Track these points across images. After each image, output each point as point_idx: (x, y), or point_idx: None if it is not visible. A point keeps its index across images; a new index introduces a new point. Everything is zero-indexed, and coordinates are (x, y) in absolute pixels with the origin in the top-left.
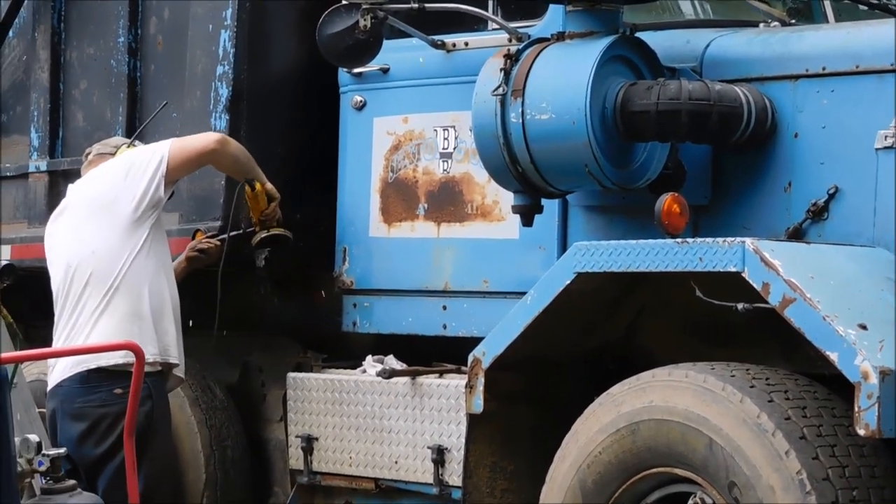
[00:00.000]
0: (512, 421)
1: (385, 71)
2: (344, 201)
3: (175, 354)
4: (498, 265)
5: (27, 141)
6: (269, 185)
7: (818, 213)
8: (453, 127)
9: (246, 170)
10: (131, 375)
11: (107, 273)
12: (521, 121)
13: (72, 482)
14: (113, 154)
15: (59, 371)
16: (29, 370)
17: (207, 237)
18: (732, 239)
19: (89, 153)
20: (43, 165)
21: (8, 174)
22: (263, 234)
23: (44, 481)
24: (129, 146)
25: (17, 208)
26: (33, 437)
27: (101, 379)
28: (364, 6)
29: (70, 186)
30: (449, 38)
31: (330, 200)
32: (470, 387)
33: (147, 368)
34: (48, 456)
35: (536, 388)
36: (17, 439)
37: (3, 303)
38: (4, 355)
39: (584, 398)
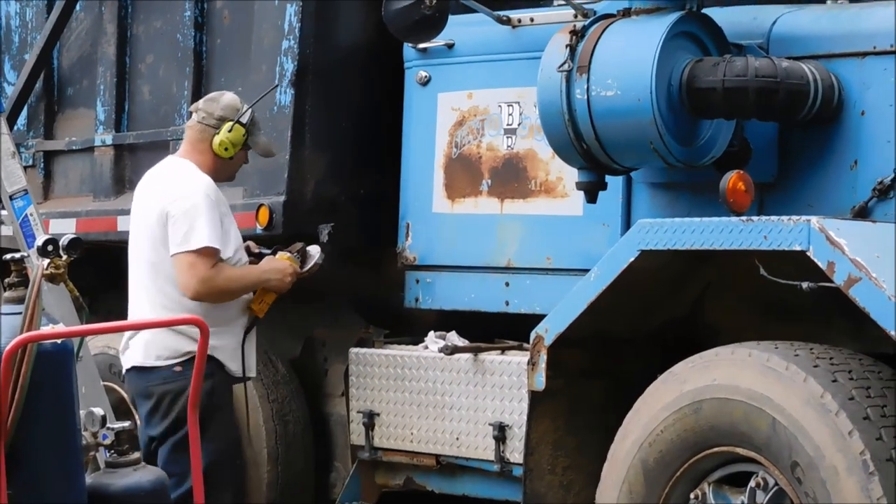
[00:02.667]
0: (576, 398)
1: (450, 46)
2: (407, 177)
3: (231, 367)
4: (561, 242)
5: (93, 114)
6: (276, 267)
7: (884, 192)
8: (518, 103)
9: (241, 292)
10: (189, 355)
11: (165, 286)
12: (586, 97)
13: (136, 455)
14: (216, 129)
15: (127, 358)
16: (94, 343)
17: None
18: (798, 217)
19: (196, 110)
20: (109, 139)
21: (74, 147)
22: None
23: (108, 455)
24: (234, 124)
25: (83, 182)
26: (98, 411)
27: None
28: None
29: (146, 175)
30: (514, 14)
31: (394, 175)
32: (532, 364)
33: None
34: (113, 429)
35: (603, 366)
36: (81, 412)
37: (68, 276)
38: (70, 329)
39: (651, 376)
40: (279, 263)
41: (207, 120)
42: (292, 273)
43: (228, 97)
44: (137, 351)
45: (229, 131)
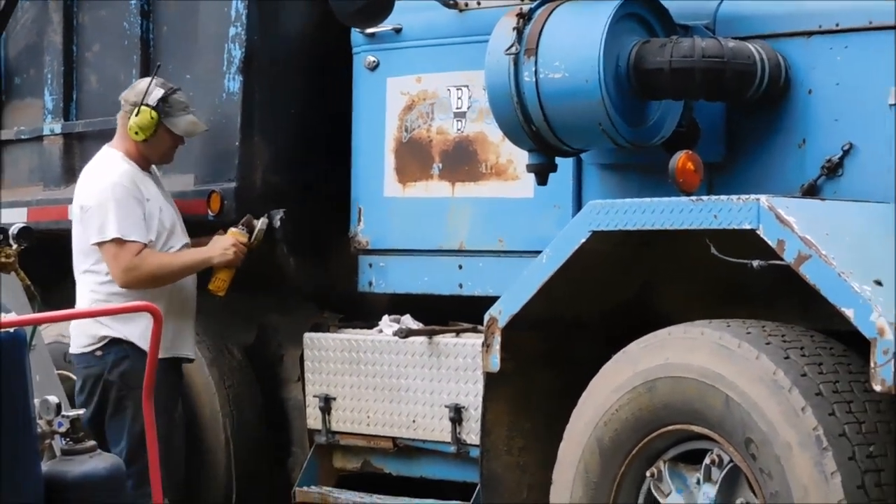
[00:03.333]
0: (532, 381)
1: (398, 31)
2: (358, 162)
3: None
4: (513, 224)
5: (41, 104)
6: (216, 245)
7: (832, 170)
8: (467, 86)
9: (175, 277)
10: (106, 339)
11: (87, 275)
12: (534, 80)
13: (92, 443)
14: (129, 112)
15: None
16: (48, 332)
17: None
18: (747, 196)
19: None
20: (57, 128)
21: (23, 137)
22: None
23: (64, 442)
24: (139, 108)
25: (32, 171)
26: (53, 399)
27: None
28: None
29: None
30: None
31: (345, 160)
32: (486, 346)
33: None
34: (68, 417)
35: (558, 349)
36: (36, 401)
37: (20, 265)
38: (22, 318)
39: (606, 358)
40: (220, 240)
41: (125, 107)
42: (235, 244)
43: (142, 83)
44: (71, 339)
45: (136, 115)
